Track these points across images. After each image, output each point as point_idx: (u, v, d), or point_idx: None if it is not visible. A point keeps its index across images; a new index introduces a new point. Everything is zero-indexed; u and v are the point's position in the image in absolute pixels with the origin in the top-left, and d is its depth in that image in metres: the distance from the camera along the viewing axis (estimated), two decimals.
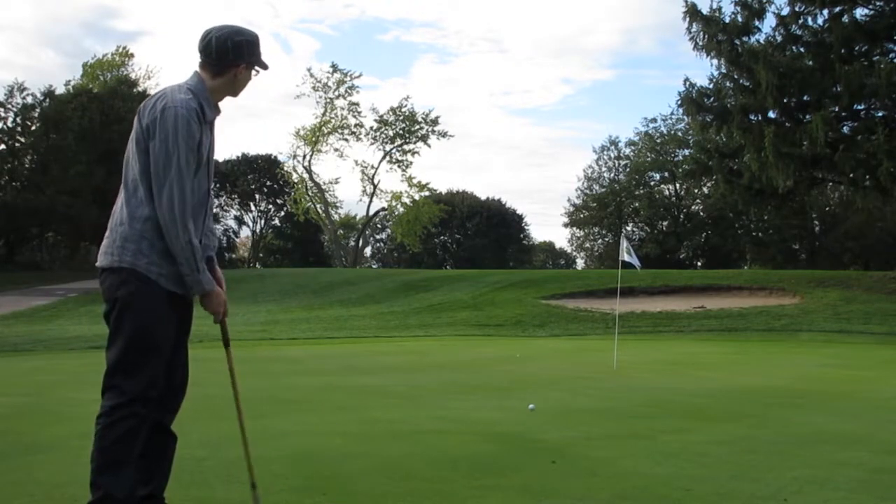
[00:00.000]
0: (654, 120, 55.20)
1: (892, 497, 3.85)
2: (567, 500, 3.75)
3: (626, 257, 10.93)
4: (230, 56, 3.16)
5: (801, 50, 21.53)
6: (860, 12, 20.99)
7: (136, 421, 3.00)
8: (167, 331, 3.13)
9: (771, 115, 21.66)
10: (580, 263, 62.17)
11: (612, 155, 55.93)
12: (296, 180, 53.29)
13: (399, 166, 52.11)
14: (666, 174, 53.30)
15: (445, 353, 13.33)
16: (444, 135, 51.91)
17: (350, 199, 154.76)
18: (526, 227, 67.88)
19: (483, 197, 65.42)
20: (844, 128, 21.64)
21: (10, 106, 36.95)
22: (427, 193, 52.01)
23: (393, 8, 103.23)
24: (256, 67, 3.26)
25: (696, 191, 52.14)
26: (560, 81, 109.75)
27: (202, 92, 3.15)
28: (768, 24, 33.87)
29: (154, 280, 3.03)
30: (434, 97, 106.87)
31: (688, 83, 22.26)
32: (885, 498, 3.83)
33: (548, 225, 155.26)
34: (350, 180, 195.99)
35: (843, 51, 20.12)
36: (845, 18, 20.52)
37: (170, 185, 2.96)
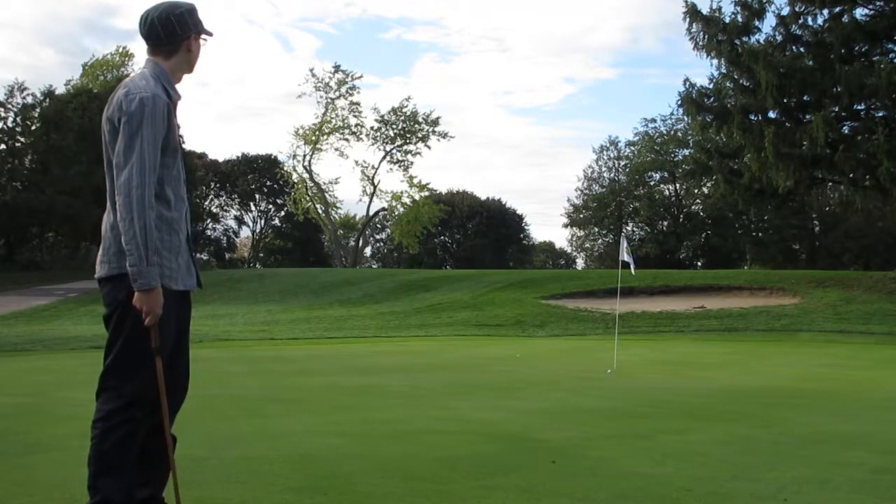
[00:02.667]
0: (654, 120, 55.26)
1: (892, 497, 3.85)
2: (567, 500, 3.75)
3: (626, 257, 10.95)
4: (178, 31, 3.10)
5: (801, 50, 21.54)
6: (860, 12, 21.02)
7: (134, 425, 2.97)
8: (168, 332, 3.07)
9: (771, 115, 21.66)
10: (580, 263, 62.20)
11: (612, 155, 55.97)
12: (296, 180, 53.28)
13: (399, 166, 52.15)
14: (666, 174, 53.30)
15: (445, 353, 13.33)
16: (444, 135, 51.94)
17: (350, 199, 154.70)
18: (526, 228, 67.97)
19: (483, 197, 65.52)
20: (844, 128, 21.64)
21: (10, 106, 36.97)
22: (427, 194, 52.01)
23: (394, 6, 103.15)
24: (203, 35, 3.21)
25: (696, 191, 52.14)
26: (562, 80, 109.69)
27: (162, 74, 3.11)
28: (768, 24, 33.95)
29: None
30: (435, 96, 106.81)
31: (688, 83, 22.29)
32: (885, 498, 3.83)
33: (549, 225, 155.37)
34: (350, 180, 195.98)
35: (843, 51, 20.13)
36: (845, 18, 20.53)
37: (130, 167, 2.84)
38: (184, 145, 42.02)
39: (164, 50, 3.13)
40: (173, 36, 3.10)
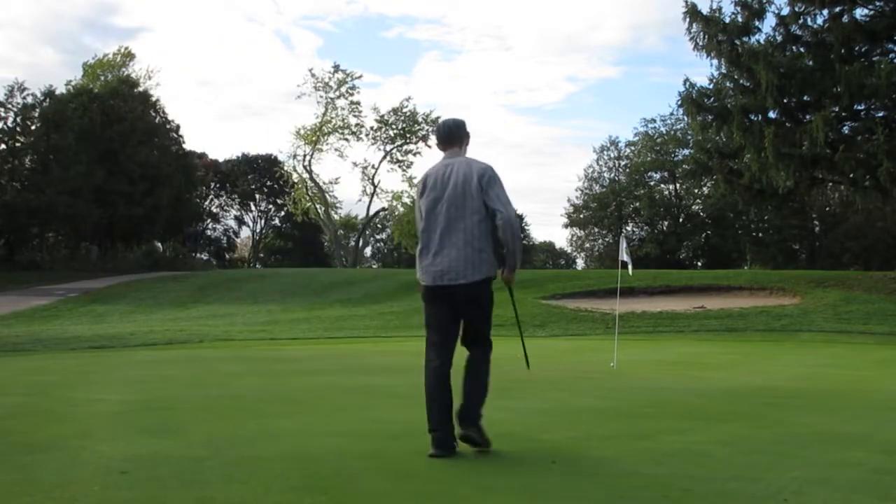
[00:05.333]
0: (654, 120, 55.21)
1: (892, 497, 3.85)
2: (567, 500, 3.75)
3: (625, 257, 10.95)
4: (465, 130, 4.92)
5: (802, 50, 21.53)
6: (860, 12, 21.00)
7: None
8: None
9: (771, 115, 21.65)
10: (580, 263, 62.17)
11: (613, 155, 55.93)
12: (296, 180, 53.29)
13: (399, 166, 52.15)
14: (666, 174, 53.28)
15: None
16: None
17: (350, 199, 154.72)
18: (526, 228, 67.92)
19: None
20: (844, 128, 21.64)
21: (10, 106, 36.91)
22: None
23: (396, 4, 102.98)
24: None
25: (696, 191, 52.13)
26: (565, 79, 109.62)
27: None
28: (768, 24, 33.84)
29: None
30: (437, 95, 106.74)
31: (688, 83, 22.28)
32: (885, 498, 3.83)
33: (550, 224, 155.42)
34: (350, 180, 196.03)
35: (843, 51, 20.11)
36: (845, 18, 20.52)
37: (510, 207, 4.60)
38: (184, 145, 41.91)
39: (464, 144, 4.91)
40: (466, 135, 4.96)
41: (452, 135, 4.79)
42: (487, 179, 4.54)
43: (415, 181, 51.12)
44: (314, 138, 51.41)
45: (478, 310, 4.61)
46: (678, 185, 52.93)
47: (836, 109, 20.60)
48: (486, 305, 4.62)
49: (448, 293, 4.51)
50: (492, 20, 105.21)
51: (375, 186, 52.26)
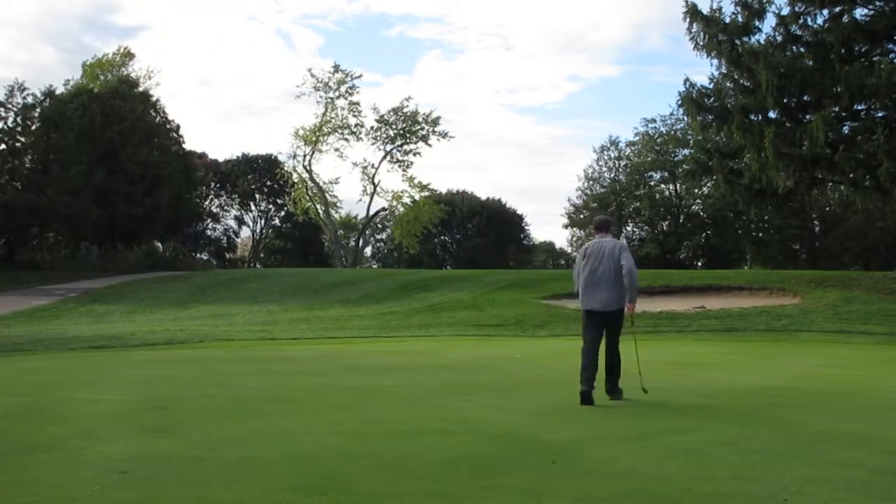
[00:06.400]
0: (654, 120, 55.19)
1: (892, 497, 3.85)
2: (567, 500, 3.75)
3: None
4: (612, 224, 7.75)
5: (802, 50, 21.51)
6: (860, 12, 20.98)
7: None
8: None
9: (771, 115, 21.62)
10: None
11: (613, 155, 55.93)
12: (296, 180, 53.27)
13: (399, 166, 52.13)
14: (666, 174, 53.28)
15: (445, 352, 13.33)
16: (444, 135, 51.92)
17: (350, 199, 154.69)
18: (526, 228, 67.97)
19: (483, 197, 65.52)
20: (844, 128, 21.62)
21: (10, 106, 36.89)
22: (427, 193, 52.00)
23: (398, 3, 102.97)
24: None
25: (696, 191, 52.12)
26: (566, 79, 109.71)
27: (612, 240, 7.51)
28: (768, 24, 33.84)
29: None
30: (438, 94, 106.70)
31: (688, 83, 22.26)
32: (885, 498, 3.83)
33: (551, 224, 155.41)
34: (350, 180, 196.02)
35: (843, 51, 20.09)
36: (845, 18, 20.51)
37: (635, 266, 7.19)
38: (184, 145, 41.76)
39: (612, 231, 7.64)
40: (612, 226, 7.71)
41: (605, 226, 7.64)
42: (620, 248, 7.31)
43: (415, 181, 51.41)
44: (314, 138, 51.39)
45: (615, 325, 7.35)
46: (678, 185, 52.93)
47: (836, 109, 20.58)
48: (619, 322, 7.37)
49: (599, 315, 7.27)
50: (493, 19, 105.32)
51: (375, 186, 52.28)
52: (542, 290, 24.13)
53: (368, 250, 69.77)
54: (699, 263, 51.68)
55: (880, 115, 20.87)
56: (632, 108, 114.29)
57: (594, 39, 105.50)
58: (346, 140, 51.88)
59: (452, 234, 64.55)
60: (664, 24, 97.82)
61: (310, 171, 52.50)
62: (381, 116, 51.59)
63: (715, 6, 21.54)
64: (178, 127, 45.87)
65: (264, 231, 63.37)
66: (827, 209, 47.53)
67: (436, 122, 51.72)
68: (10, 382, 8.96)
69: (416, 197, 51.42)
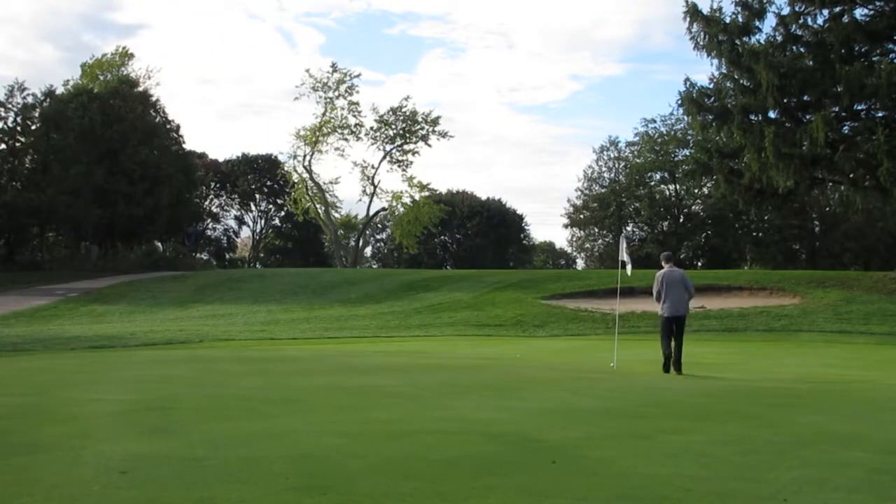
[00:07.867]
0: (653, 120, 55.15)
1: (892, 497, 3.86)
2: (567, 500, 3.75)
3: (625, 258, 10.98)
4: (674, 258, 11.52)
5: (802, 50, 21.50)
6: (860, 12, 20.98)
7: None
8: None
9: (771, 115, 21.62)
10: (580, 264, 62.18)
11: (613, 155, 55.88)
12: (296, 180, 53.25)
13: (399, 166, 52.09)
14: (666, 174, 53.25)
15: (445, 352, 13.33)
16: (444, 135, 51.89)
17: (350, 199, 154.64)
18: (526, 228, 67.96)
19: (484, 197, 65.51)
20: (844, 128, 21.61)
21: (10, 105, 36.90)
22: (427, 193, 51.97)
23: (400, 1, 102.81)
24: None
25: (696, 191, 52.10)
26: (569, 77, 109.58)
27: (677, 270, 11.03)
28: (768, 24, 33.80)
29: None
30: (440, 93, 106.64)
31: (688, 83, 22.26)
32: (885, 498, 3.83)
33: (551, 224, 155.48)
34: (350, 180, 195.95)
35: (843, 51, 20.09)
36: (845, 18, 20.50)
37: (693, 289, 11.08)
38: (184, 145, 41.65)
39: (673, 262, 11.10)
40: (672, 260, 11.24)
41: (670, 259, 11.01)
42: (684, 276, 10.78)
43: (415, 181, 51.38)
44: (314, 138, 51.37)
45: (683, 325, 10.66)
46: (678, 185, 52.89)
47: (836, 109, 20.58)
48: (684, 324, 10.66)
49: (675, 318, 10.48)
50: (496, 17, 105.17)
51: (375, 186, 52.24)
52: (542, 290, 24.14)
53: (368, 250, 69.81)
54: (699, 264, 51.65)
55: (880, 115, 20.87)
56: (635, 108, 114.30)
57: (597, 37, 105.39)
58: (346, 140, 51.88)
59: (452, 235, 64.54)
60: (668, 21, 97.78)
61: (310, 171, 52.50)
62: (381, 116, 51.57)
63: (715, 6, 21.54)
64: (178, 127, 45.88)
65: (264, 231, 63.38)
66: (827, 209, 47.50)
67: (435, 121, 51.70)
68: (10, 382, 8.96)
69: (416, 197, 51.39)
